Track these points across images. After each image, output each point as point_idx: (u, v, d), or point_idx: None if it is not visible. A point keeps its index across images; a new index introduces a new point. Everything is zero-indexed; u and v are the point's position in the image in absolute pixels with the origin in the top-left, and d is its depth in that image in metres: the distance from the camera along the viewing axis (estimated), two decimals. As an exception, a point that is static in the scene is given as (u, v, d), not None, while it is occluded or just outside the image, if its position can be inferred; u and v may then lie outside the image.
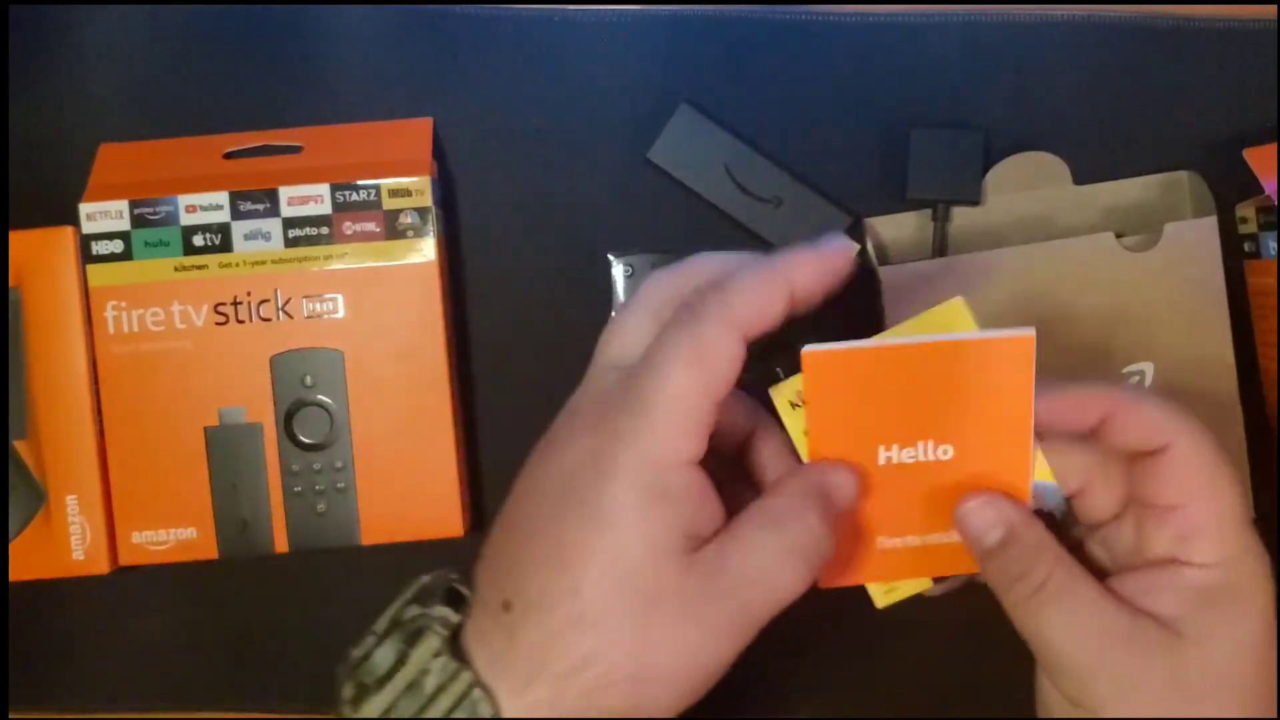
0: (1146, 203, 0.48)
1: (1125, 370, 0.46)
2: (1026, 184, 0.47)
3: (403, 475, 0.46)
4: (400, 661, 0.29)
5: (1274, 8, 0.49)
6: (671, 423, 0.29)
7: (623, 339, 0.31)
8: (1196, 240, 0.46)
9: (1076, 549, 0.33)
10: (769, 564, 0.30)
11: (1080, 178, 0.49)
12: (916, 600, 0.50)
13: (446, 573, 0.32)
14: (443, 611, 0.30)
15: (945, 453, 0.32)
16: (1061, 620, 0.31)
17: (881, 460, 0.33)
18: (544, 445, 0.32)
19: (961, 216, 0.48)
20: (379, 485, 0.46)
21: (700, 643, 0.29)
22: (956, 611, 0.49)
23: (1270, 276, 0.46)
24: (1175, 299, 0.46)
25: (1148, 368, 0.46)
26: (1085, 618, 0.31)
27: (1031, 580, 0.31)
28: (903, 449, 0.32)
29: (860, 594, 0.49)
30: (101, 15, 0.49)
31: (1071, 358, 0.46)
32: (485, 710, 0.28)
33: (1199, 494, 0.31)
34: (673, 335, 0.29)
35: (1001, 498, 0.32)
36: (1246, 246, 0.48)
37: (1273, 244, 0.46)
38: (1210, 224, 0.46)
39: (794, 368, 0.32)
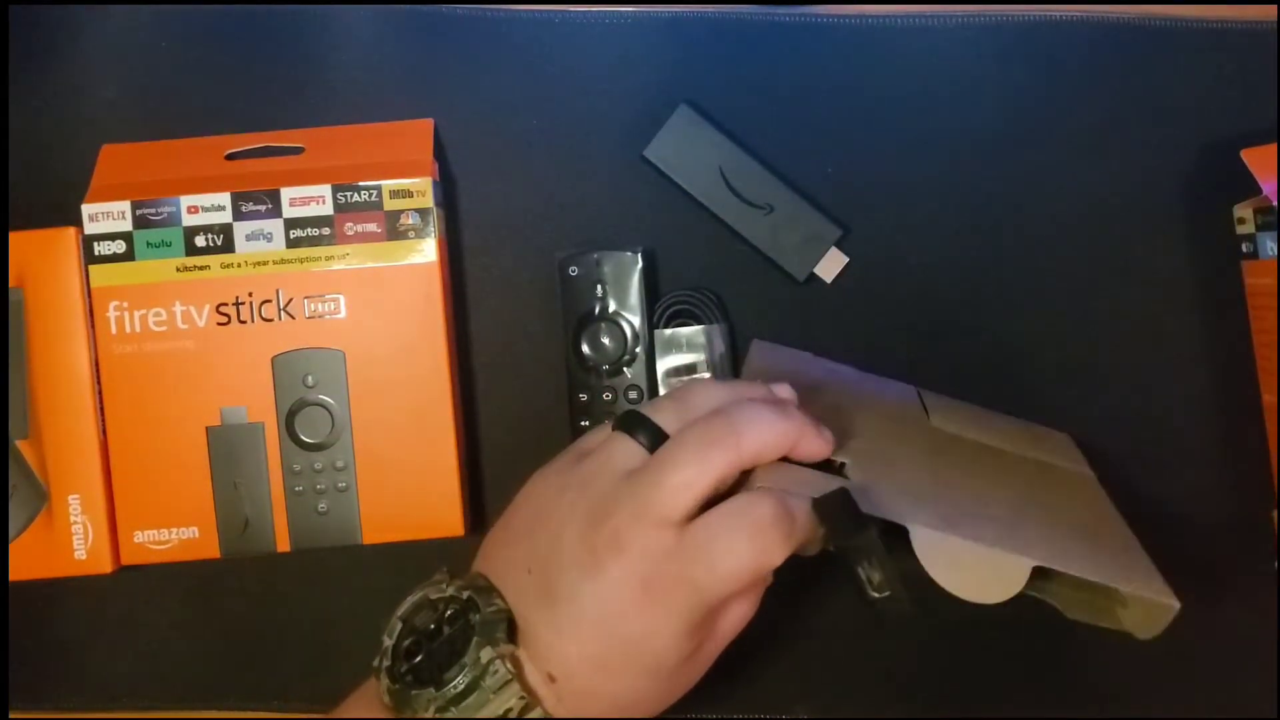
0: None
1: None
2: None
3: (403, 475, 0.46)
4: (486, 700, 0.34)
5: (1274, 8, 0.49)
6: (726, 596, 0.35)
7: (672, 500, 0.35)
8: None
9: None
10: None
11: (1078, 177, 0.49)
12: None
13: (489, 599, 0.36)
14: (510, 649, 0.35)
15: None
16: None
17: None
18: (596, 546, 0.35)
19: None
20: (380, 485, 0.46)
21: None
22: (953, 611, 0.50)
23: (1268, 277, 0.46)
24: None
25: None
26: None
27: None
28: None
29: (855, 598, 0.49)
30: (103, 16, 0.49)
31: None
32: None
33: None
34: (730, 536, 0.35)
35: None
36: (1244, 247, 0.48)
37: (1270, 244, 0.46)
38: None
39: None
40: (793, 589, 0.49)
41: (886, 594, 0.34)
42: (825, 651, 0.49)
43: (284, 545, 0.47)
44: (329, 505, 0.46)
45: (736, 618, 0.37)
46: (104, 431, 0.47)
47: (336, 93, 0.50)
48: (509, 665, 0.34)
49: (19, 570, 0.46)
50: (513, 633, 0.35)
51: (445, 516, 0.46)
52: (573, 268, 0.48)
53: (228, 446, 0.46)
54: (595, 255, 0.48)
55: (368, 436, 0.46)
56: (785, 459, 0.37)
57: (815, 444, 0.37)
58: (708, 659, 0.37)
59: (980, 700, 0.49)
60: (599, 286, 0.48)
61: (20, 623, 0.49)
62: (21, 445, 0.46)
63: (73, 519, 0.46)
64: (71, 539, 0.46)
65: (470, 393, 0.50)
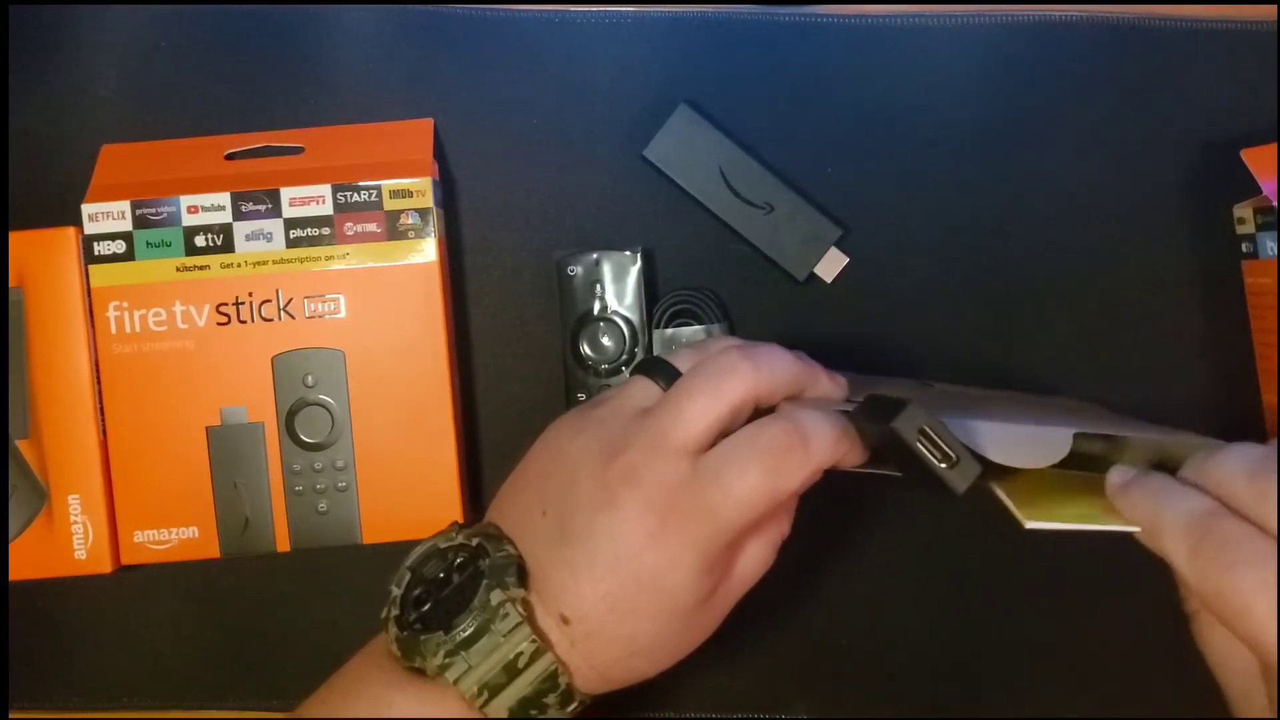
0: None
1: None
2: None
3: (403, 474, 0.46)
4: (496, 644, 0.34)
5: (1274, 8, 0.49)
6: (738, 530, 0.35)
7: (687, 429, 0.35)
8: None
9: None
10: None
11: (1079, 177, 0.49)
12: (906, 601, 0.50)
13: (499, 545, 0.36)
14: (520, 593, 0.35)
15: None
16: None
17: None
18: (604, 483, 0.35)
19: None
20: (380, 484, 0.46)
21: None
22: (953, 609, 0.50)
23: (1268, 277, 0.46)
24: None
25: None
26: None
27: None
28: None
29: (855, 598, 0.49)
30: (103, 15, 0.49)
31: None
32: (564, 682, 0.35)
33: None
34: (743, 464, 0.34)
35: None
36: (1244, 247, 0.48)
37: (1270, 244, 0.46)
38: None
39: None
40: (793, 587, 0.49)
41: (953, 459, 0.32)
42: (825, 651, 0.49)
43: (284, 545, 0.47)
44: (329, 505, 0.46)
45: (753, 561, 0.37)
46: (104, 431, 0.47)
47: (336, 93, 0.50)
48: (519, 609, 0.34)
49: (19, 570, 0.46)
50: (524, 578, 0.35)
51: (445, 516, 0.46)
52: (572, 267, 0.48)
53: (228, 446, 0.46)
54: (594, 255, 0.48)
55: (368, 436, 0.46)
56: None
57: (828, 384, 0.38)
58: (723, 605, 0.37)
59: (980, 700, 0.49)
60: (598, 286, 0.48)
61: (20, 623, 0.49)
62: (21, 445, 0.47)
63: (73, 519, 0.46)
64: (71, 539, 0.46)
65: (470, 393, 0.50)
